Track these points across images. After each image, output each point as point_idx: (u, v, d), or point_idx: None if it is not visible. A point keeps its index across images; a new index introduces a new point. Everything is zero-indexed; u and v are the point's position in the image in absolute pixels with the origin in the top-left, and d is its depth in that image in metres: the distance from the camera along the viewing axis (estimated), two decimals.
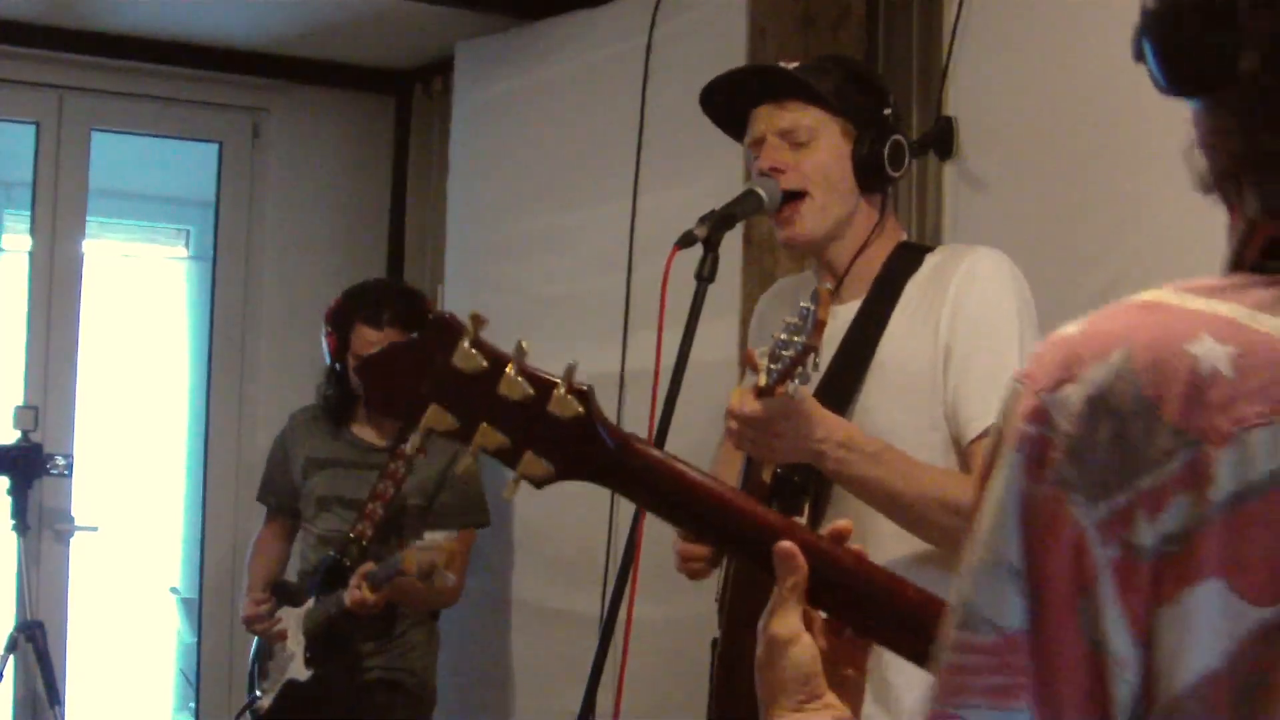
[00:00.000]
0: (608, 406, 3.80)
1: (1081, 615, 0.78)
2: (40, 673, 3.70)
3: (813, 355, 1.74)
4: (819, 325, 1.72)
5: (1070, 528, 0.78)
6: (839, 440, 1.86)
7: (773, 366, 1.78)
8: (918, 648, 0.97)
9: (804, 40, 2.79)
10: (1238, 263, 0.87)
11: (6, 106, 4.23)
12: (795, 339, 1.74)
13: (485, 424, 1.04)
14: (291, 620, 3.29)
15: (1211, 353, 0.79)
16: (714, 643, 2.05)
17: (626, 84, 3.38)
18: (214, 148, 4.52)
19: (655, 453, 1.09)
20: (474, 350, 1.03)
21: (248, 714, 3.38)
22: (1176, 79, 0.87)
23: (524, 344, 1.05)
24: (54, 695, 3.71)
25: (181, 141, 4.64)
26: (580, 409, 1.04)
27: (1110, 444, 0.79)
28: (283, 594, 3.36)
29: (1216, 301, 0.82)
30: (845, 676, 1.06)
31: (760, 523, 1.07)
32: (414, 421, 1.05)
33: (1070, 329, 0.85)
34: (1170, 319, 0.82)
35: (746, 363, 1.89)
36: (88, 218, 4.30)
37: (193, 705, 4.33)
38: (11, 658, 3.72)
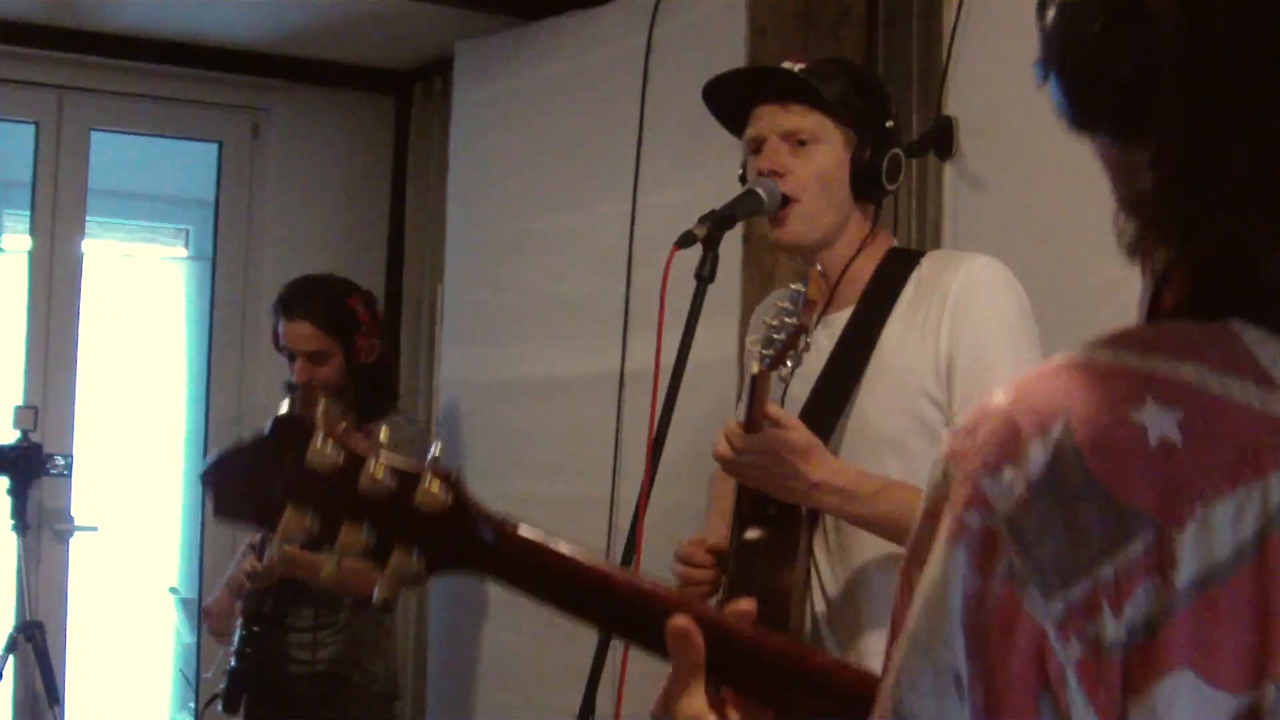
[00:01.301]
0: (608, 406, 3.80)
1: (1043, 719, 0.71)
2: (40, 673, 3.70)
3: (804, 336, 1.75)
4: (809, 305, 1.72)
5: (1028, 627, 0.72)
6: (836, 486, 1.87)
7: (765, 352, 1.79)
8: (833, 715, 0.92)
9: (804, 40, 2.79)
10: (1154, 312, 0.81)
11: (6, 106, 4.23)
12: (787, 320, 1.74)
13: (347, 524, 0.96)
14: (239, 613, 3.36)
15: (1158, 419, 0.73)
16: None
17: (626, 84, 3.38)
18: (214, 147, 4.52)
19: (535, 538, 0.99)
20: (329, 446, 0.96)
21: (194, 707, 3.43)
22: (1087, 112, 0.80)
23: (384, 434, 0.99)
24: (53, 695, 3.71)
25: (181, 141, 4.64)
26: (449, 499, 0.97)
27: (1062, 531, 0.72)
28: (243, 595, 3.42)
29: (1154, 357, 0.75)
30: None
31: (652, 602, 0.98)
32: (270, 527, 0.97)
33: (999, 399, 0.77)
34: (1107, 381, 0.75)
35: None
36: (87, 218, 4.30)
37: (192, 705, 4.33)
38: (11, 658, 3.72)
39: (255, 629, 3.28)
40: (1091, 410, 0.74)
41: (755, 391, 1.85)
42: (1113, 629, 0.71)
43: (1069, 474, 0.72)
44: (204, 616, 3.46)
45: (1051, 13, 0.81)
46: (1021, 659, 0.72)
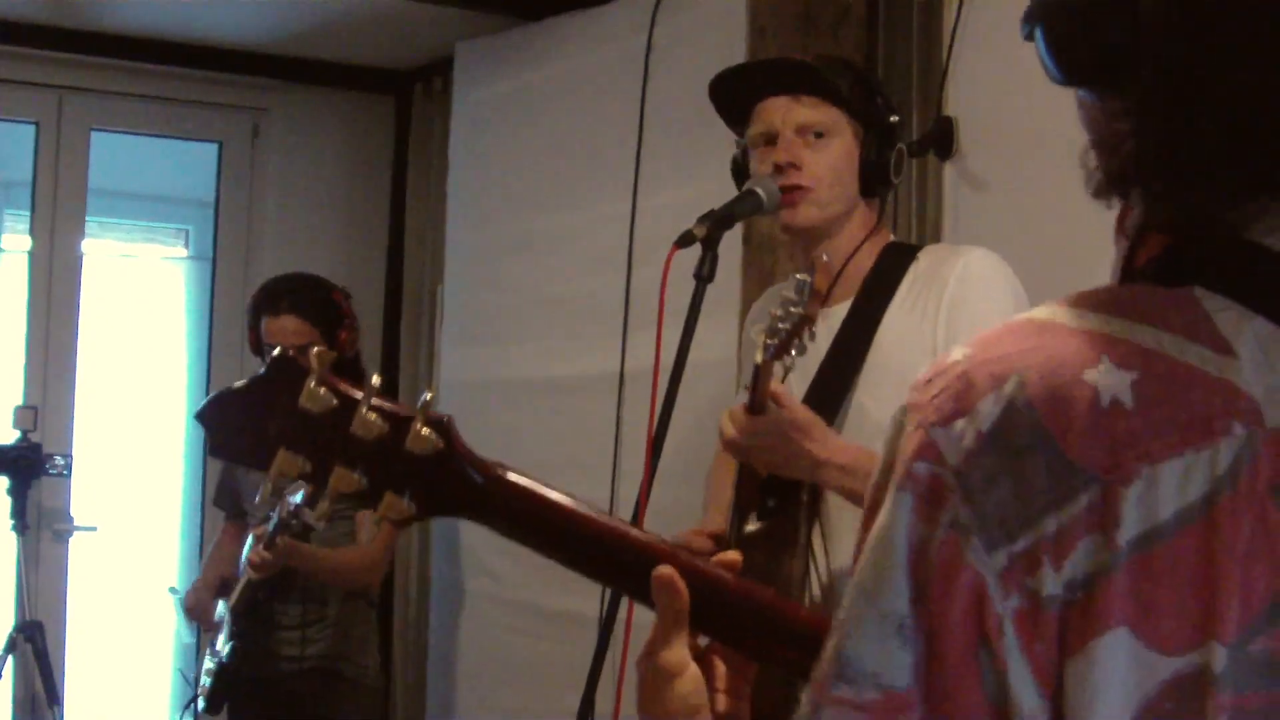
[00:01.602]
0: (608, 406, 3.80)
1: (983, 670, 0.72)
2: (39, 673, 3.70)
3: (809, 325, 1.75)
4: (815, 295, 1.72)
5: (969, 577, 0.72)
6: (839, 464, 1.86)
7: (770, 341, 1.79)
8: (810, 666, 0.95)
9: (804, 40, 2.79)
10: (1127, 272, 0.81)
11: (6, 106, 4.23)
12: (792, 310, 1.74)
13: (339, 466, 0.97)
14: (224, 608, 3.36)
15: (1111, 380, 0.73)
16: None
17: (626, 84, 3.38)
18: (214, 147, 4.52)
19: (524, 482, 1.01)
20: (322, 389, 0.97)
21: (192, 707, 3.42)
22: (1068, 67, 0.81)
23: (376, 378, 0.99)
24: (53, 695, 3.71)
25: (181, 141, 4.64)
26: (440, 443, 0.98)
27: (1008, 483, 0.72)
28: (224, 590, 3.42)
29: (1115, 319, 0.76)
30: (726, 707, 0.99)
31: (639, 550, 0.98)
32: (263, 468, 0.98)
33: (957, 353, 0.78)
34: (1066, 342, 0.75)
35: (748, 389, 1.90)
36: (87, 218, 4.30)
37: (189, 700, 4.33)
38: (10, 658, 3.72)
39: (242, 627, 3.29)
40: (1047, 368, 0.74)
41: (759, 378, 1.85)
42: (1052, 584, 0.72)
43: (1019, 428, 0.73)
44: (188, 615, 3.47)
45: None
46: (962, 608, 0.72)
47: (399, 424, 0.98)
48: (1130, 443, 0.72)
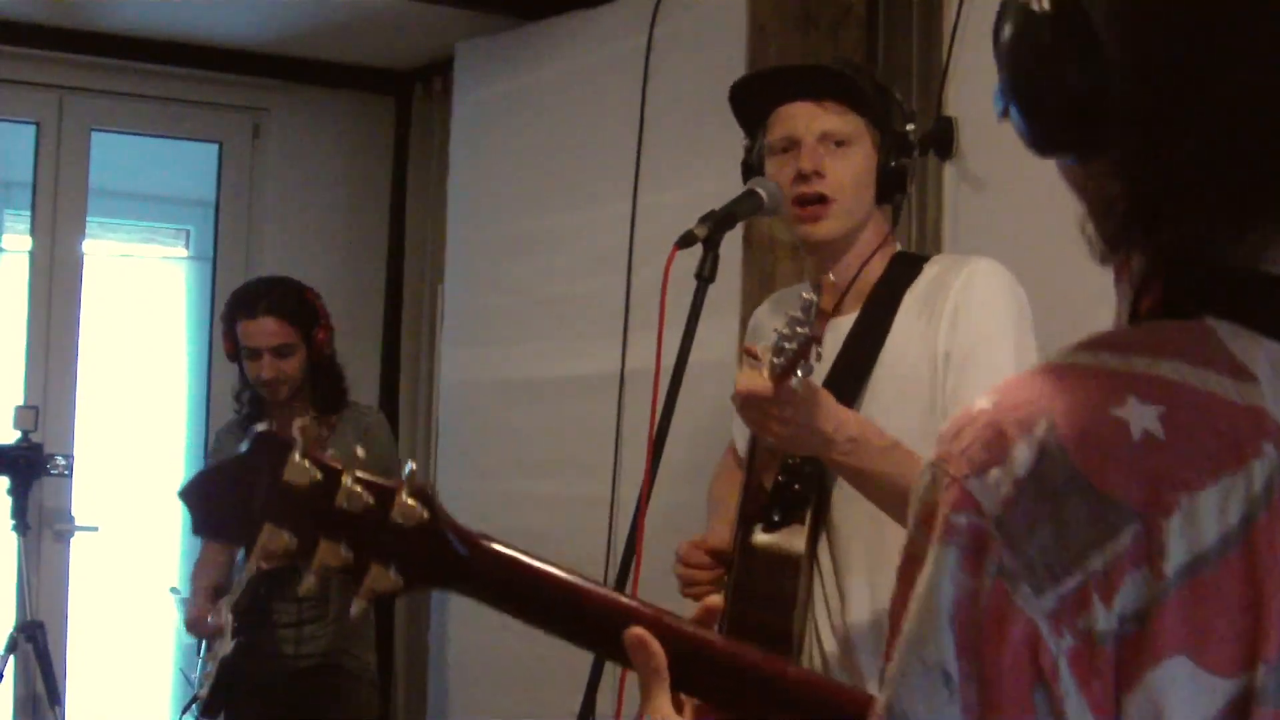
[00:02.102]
0: (608, 406, 3.80)
1: (1039, 714, 0.72)
2: (40, 673, 3.70)
3: (816, 346, 1.73)
4: (822, 315, 1.71)
5: (1020, 622, 0.73)
6: (849, 435, 1.83)
7: (776, 360, 1.78)
8: None
9: (804, 40, 2.79)
10: (1134, 317, 0.82)
11: (6, 106, 4.23)
12: (798, 330, 1.73)
13: (325, 540, 0.97)
14: (224, 607, 3.37)
15: (1140, 414, 0.74)
16: None
17: (626, 84, 3.38)
18: (214, 148, 4.52)
19: (507, 552, 1.01)
20: (306, 463, 0.97)
21: (193, 708, 3.42)
22: (1046, 134, 0.82)
23: (360, 451, 1.00)
24: (54, 695, 3.71)
25: (181, 141, 4.64)
26: (424, 514, 0.98)
27: (1050, 527, 0.73)
28: (222, 593, 3.44)
29: (1134, 357, 0.77)
30: None
31: (624, 616, 0.99)
32: (249, 544, 0.99)
33: (982, 403, 0.79)
34: (1088, 382, 0.77)
35: (746, 353, 1.87)
36: (88, 218, 4.30)
37: (186, 704, 4.33)
38: (12, 658, 3.72)
39: (243, 624, 3.29)
40: (1074, 409, 0.75)
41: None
42: (1104, 620, 0.72)
43: (1054, 471, 0.74)
44: (189, 629, 3.46)
45: (1005, 37, 0.83)
46: (1015, 653, 0.73)
47: (383, 495, 0.98)
48: (1166, 474, 0.73)
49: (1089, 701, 0.72)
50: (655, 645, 0.97)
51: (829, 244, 2.06)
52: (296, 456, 0.97)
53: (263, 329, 3.35)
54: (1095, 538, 0.73)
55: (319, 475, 0.97)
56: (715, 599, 1.04)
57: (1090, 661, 0.72)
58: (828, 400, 1.83)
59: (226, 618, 3.34)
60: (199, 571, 3.58)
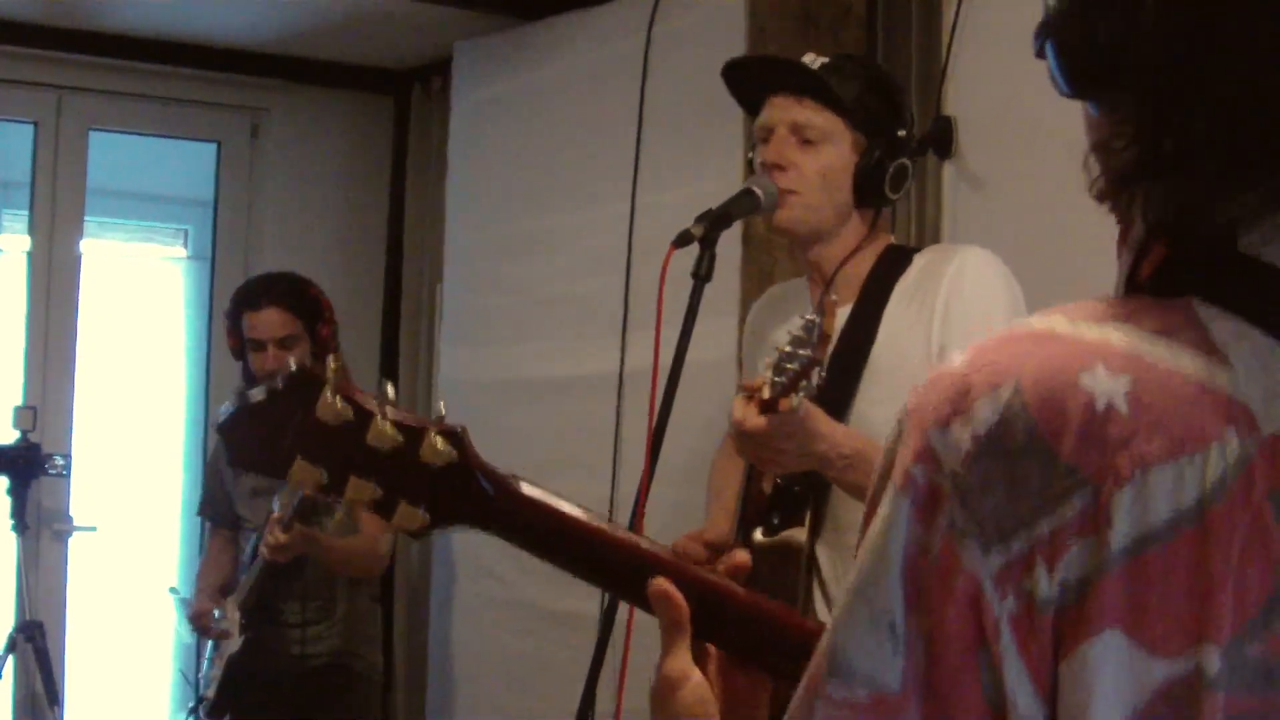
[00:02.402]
0: (607, 406, 3.81)
1: (981, 671, 0.73)
2: (39, 673, 3.70)
3: (818, 369, 1.73)
4: (824, 338, 1.72)
5: (965, 579, 0.73)
6: (844, 453, 1.85)
7: (777, 379, 1.77)
8: None
9: (804, 40, 2.78)
10: (1131, 283, 0.82)
11: (5, 106, 4.23)
12: (800, 352, 1.73)
13: (355, 476, 1.00)
14: (231, 606, 3.37)
15: (1106, 386, 0.74)
16: None
17: (625, 84, 3.38)
18: (213, 147, 4.52)
19: (536, 493, 1.03)
20: (337, 400, 0.99)
21: (200, 709, 3.43)
22: (1076, 77, 0.82)
23: (390, 387, 1.02)
24: (53, 695, 3.71)
25: (180, 141, 4.64)
26: (454, 454, 1.01)
27: (1003, 486, 0.73)
28: (228, 593, 3.44)
29: (1110, 328, 0.77)
30: (745, 716, 1.00)
31: (648, 562, 1.01)
32: (280, 478, 1.01)
33: (955, 361, 0.79)
34: (1062, 349, 0.76)
35: (744, 388, 1.88)
36: (86, 217, 4.30)
37: (192, 705, 4.33)
38: (11, 658, 3.72)
39: (250, 621, 3.30)
40: (1043, 373, 0.75)
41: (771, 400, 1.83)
42: (1046, 586, 0.72)
43: (1015, 431, 0.74)
44: (192, 624, 3.47)
45: None
46: (959, 611, 0.73)
47: (414, 435, 1.00)
48: (1123, 447, 0.73)
49: (1027, 666, 0.72)
50: (678, 598, 0.98)
51: (790, 232, 2.08)
52: (328, 394, 0.99)
53: (267, 320, 3.35)
54: (1046, 502, 0.73)
55: (350, 413, 0.99)
56: (743, 554, 1.04)
57: (1030, 626, 0.72)
58: (821, 421, 1.84)
59: (234, 616, 3.34)
60: (204, 570, 3.59)
